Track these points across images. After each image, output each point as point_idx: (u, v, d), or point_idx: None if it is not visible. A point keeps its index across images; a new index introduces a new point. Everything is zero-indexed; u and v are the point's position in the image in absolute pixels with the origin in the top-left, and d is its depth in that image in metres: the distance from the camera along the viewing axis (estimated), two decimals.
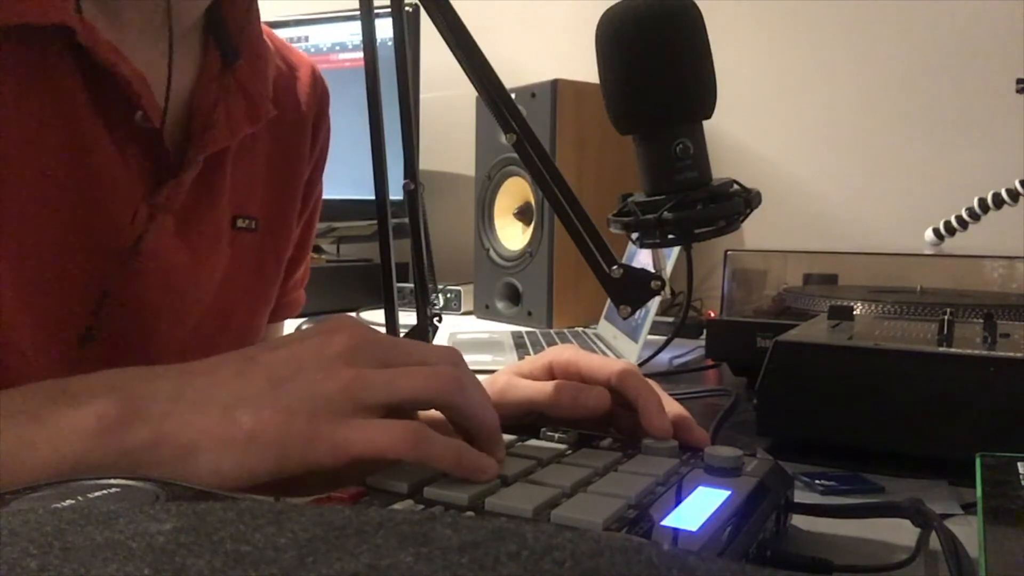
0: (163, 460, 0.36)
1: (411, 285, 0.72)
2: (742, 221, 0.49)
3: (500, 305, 1.45)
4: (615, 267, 0.51)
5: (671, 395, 0.53)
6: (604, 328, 1.23)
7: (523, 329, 1.30)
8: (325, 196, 0.75)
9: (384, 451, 0.37)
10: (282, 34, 1.08)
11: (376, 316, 1.33)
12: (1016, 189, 1.12)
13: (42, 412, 0.37)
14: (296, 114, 0.68)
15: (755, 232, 1.43)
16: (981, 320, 0.70)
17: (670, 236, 0.48)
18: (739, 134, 1.50)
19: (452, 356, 0.43)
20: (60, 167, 0.50)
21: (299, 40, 1.64)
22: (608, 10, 0.48)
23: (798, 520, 0.46)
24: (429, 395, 0.40)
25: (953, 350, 0.61)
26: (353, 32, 1.58)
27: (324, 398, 0.38)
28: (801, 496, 0.48)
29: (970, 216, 1.17)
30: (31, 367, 0.50)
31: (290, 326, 0.86)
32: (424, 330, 0.64)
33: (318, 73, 0.72)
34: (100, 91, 0.51)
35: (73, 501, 0.24)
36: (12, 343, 0.49)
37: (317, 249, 1.65)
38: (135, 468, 0.37)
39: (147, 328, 0.56)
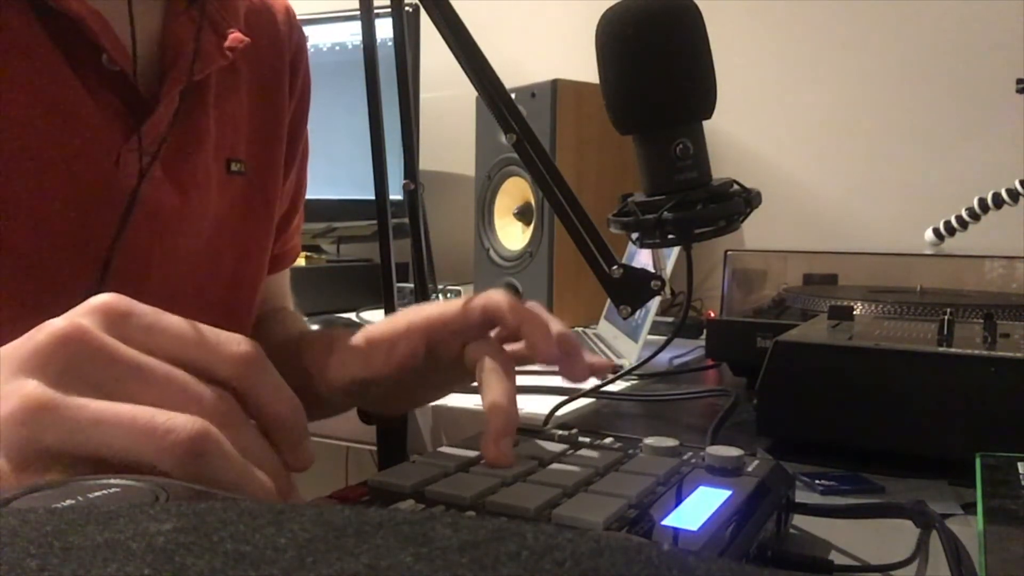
0: None
1: (411, 285, 0.72)
2: (742, 221, 0.49)
3: None
4: (615, 267, 0.51)
5: (671, 395, 0.53)
6: (604, 328, 1.23)
7: None
8: (325, 196, 0.75)
9: None
10: None
11: (376, 316, 1.33)
12: (1016, 189, 1.12)
13: None
14: (274, 51, 0.68)
15: (755, 232, 1.43)
16: (981, 320, 0.70)
17: (670, 236, 0.48)
18: (739, 134, 1.50)
19: (223, 386, 0.32)
20: (31, 117, 0.50)
21: None
22: (608, 10, 0.48)
23: (798, 520, 0.46)
24: (139, 455, 0.28)
25: (953, 350, 0.61)
26: (353, 32, 1.58)
27: None
28: (801, 496, 0.48)
29: (970, 216, 1.17)
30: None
31: None
32: None
33: (293, 12, 0.72)
34: (62, 37, 0.51)
35: (73, 501, 0.24)
36: (4, 309, 0.48)
37: (317, 249, 1.65)
38: None
39: (138, 277, 0.55)
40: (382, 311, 0.65)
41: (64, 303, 0.50)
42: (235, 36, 0.60)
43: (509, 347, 0.50)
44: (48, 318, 0.46)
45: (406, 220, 0.67)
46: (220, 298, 0.63)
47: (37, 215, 0.50)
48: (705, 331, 0.95)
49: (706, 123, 0.49)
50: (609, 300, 0.59)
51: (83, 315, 0.32)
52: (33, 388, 0.29)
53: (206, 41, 0.58)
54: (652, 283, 0.51)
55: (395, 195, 0.65)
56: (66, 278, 0.51)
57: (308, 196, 0.79)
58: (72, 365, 0.30)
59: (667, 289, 1.31)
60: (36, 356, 0.30)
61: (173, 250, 0.57)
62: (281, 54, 0.68)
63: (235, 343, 0.34)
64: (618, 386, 0.84)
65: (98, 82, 0.52)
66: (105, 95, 0.53)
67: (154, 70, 0.57)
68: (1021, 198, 1.12)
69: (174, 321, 0.34)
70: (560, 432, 0.48)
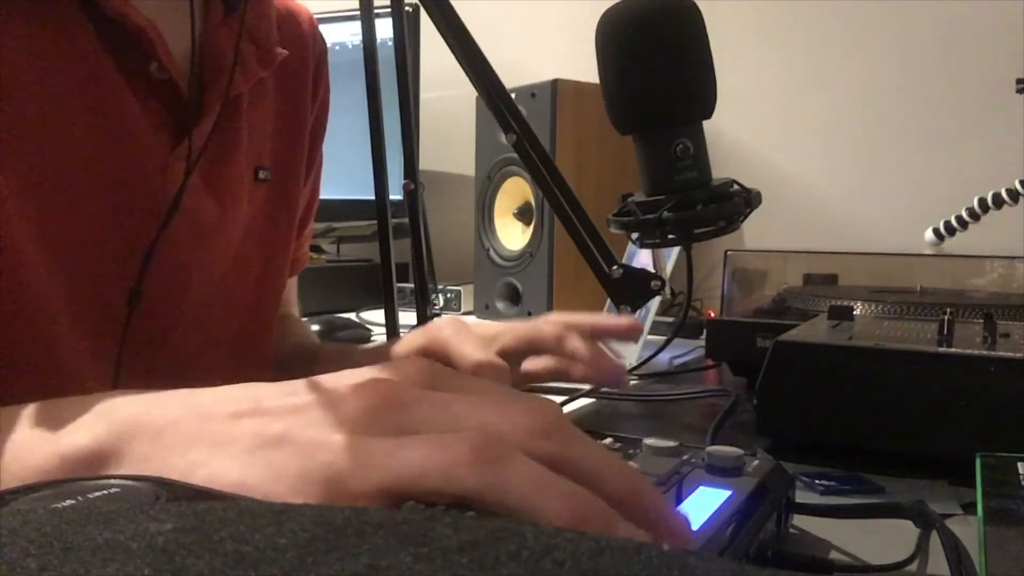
0: None
1: (411, 285, 0.72)
2: (742, 221, 0.49)
3: (500, 305, 1.45)
4: (615, 267, 0.51)
5: (671, 395, 0.53)
6: None
7: None
8: (325, 196, 0.76)
9: None
10: None
11: (376, 316, 1.33)
12: (1016, 189, 1.12)
13: (32, 436, 0.33)
14: (299, 60, 0.68)
15: (755, 232, 1.43)
16: (981, 320, 0.70)
17: (670, 236, 0.48)
18: (739, 134, 1.50)
19: (511, 416, 0.29)
20: (83, 122, 0.50)
21: None
22: (608, 10, 0.48)
23: (798, 520, 0.46)
24: (426, 477, 0.27)
25: (953, 350, 0.61)
26: (353, 32, 1.58)
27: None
28: (801, 496, 0.48)
29: (970, 216, 1.17)
30: (78, 336, 0.50)
31: None
32: None
33: (315, 21, 0.72)
34: (114, 44, 0.51)
35: (73, 501, 0.24)
36: (48, 310, 0.49)
37: (317, 249, 1.65)
38: None
39: (180, 283, 0.56)
40: (382, 311, 0.65)
41: (104, 304, 0.51)
42: (274, 51, 0.61)
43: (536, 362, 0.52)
44: (89, 316, 0.47)
45: (406, 220, 0.67)
46: (248, 301, 0.64)
47: (82, 216, 0.50)
48: (705, 331, 0.95)
49: (706, 123, 0.49)
50: (609, 300, 0.59)
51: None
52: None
53: (247, 53, 0.58)
54: (652, 283, 0.51)
55: (395, 195, 0.65)
56: (107, 280, 0.52)
57: None
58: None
59: (667, 289, 1.31)
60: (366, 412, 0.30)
61: (210, 256, 0.58)
62: (305, 63, 0.69)
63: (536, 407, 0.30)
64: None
65: (146, 89, 0.53)
66: (152, 102, 0.53)
67: (193, 77, 0.57)
68: (1021, 198, 1.12)
69: (475, 383, 0.33)
70: None
